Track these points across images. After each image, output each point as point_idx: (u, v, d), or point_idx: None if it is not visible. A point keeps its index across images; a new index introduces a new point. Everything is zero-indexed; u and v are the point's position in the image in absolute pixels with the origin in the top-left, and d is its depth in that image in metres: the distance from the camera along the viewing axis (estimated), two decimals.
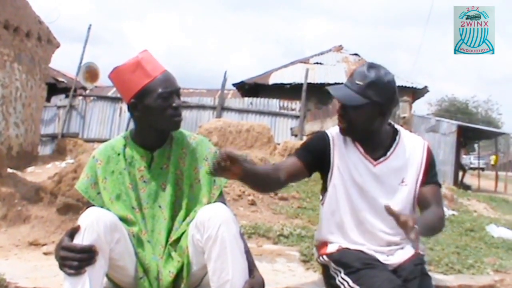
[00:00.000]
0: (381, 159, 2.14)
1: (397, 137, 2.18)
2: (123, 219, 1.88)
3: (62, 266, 1.68)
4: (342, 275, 2.03)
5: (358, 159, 2.15)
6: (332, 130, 2.24)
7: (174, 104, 1.92)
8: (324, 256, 2.18)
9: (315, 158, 2.18)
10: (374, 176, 2.13)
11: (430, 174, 2.17)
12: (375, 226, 2.12)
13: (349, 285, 1.98)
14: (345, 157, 2.16)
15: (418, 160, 2.15)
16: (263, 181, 2.04)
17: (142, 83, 1.91)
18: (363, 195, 2.13)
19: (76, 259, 1.65)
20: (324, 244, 2.22)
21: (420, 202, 2.14)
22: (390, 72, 2.11)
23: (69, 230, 1.73)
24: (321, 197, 2.31)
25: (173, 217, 1.96)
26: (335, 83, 9.92)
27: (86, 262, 1.66)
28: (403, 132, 2.22)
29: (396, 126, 2.24)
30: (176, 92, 1.95)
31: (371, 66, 2.09)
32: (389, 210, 1.76)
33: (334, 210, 2.18)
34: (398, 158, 2.15)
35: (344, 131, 2.16)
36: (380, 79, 2.04)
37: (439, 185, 2.21)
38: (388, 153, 2.15)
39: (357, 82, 2.06)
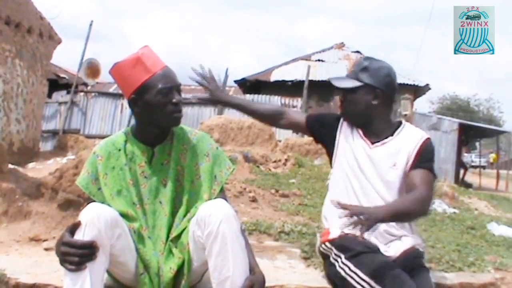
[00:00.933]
0: (378, 144, 2.23)
1: (400, 128, 2.27)
2: (123, 215, 1.87)
3: (62, 262, 1.68)
4: (343, 259, 2.04)
5: (358, 141, 2.26)
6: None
7: (174, 100, 1.91)
8: (327, 243, 2.18)
9: (320, 128, 2.38)
10: (369, 158, 2.21)
11: (421, 159, 2.17)
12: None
13: (350, 269, 1.99)
14: (349, 139, 2.28)
15: (411, 147, 2.20)
16: (255, 114, 2.56)
17: (142, 79, 1.90)
18: (358, 175, 2.21)
19: (77, 254, 1.65)
20: (327, 232, 2.23)
21: (407, 185, 2.14)
22: (387, 63, 2.28)
23: (70, 226, 1.73)
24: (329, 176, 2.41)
25: (173, 213, 1.95)
26: None
27: (86, 258, 1.66)
28: (407, 125, 2.31)
29: (404, 121, 2.34)
30: (176, 88, 1.94)
31: (368, 57, 2.31)
32: (338, 204, 1.81)
33: (335, 190, 2.28)
34: (394, 145, 2.22)
35: (345, 118, 2.32)
36: (373, 65, 2.25)
37: (432, 173, 2.18)
38: (386, 140, 2.24)
39: (353, 69, 2.29)
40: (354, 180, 2.21)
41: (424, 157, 2.18)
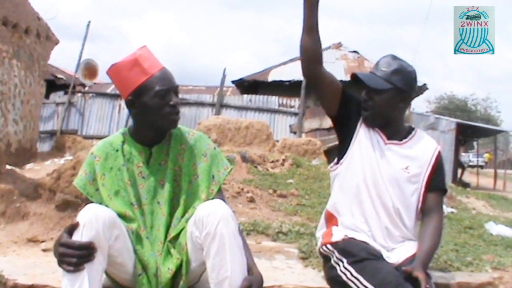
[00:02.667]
0: (394, 142, 2.25)
1: (413, 132, 2.31)
2: (121, 216, 1.87)
3: (60, 263, 1.68)
4: (345, 264, 2.03)
5: (375, 138, 2.25)
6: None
7: (171, 102, 1.91)
8: (328, 245, 2.17)
9: (351, 102, 2.27)
10: (382, 152, 2.22)
11: (437, 177, 2.26)
12: (379, 205, 2.19)
13: (352, 274, 1.98)
14: (367, 134, 2.26)
15: (427, 158, 2.24)
16: (315, 36, 2.17)
17: (139, 81, 1.90)
18: (373, 171, 2.20)
19: (75, 255, 1.65)
20: (329, 233, 2.22)
21: (425, 206, 2.23)
22: (411, 65, 2.27)
23: (68, 227, 1.73)
24: (333, 166, 2.35)
25: (171, 214, 1.95)
26: None
27: (84, 259, 1.66)
28: (418, 131, 2.34)
29: (413, 126, 2.37)
30: (173, 90, 1.94)
31: (395, 57, 2.26)
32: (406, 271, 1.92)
33: (347, 184, 2.24)
34: (409, 149, 2.25)
35: (367, 118, 2.26)
36: (404, 68, 2.22)
37: (445, 191, 2.31)
38: (403, 141, 2.26)
39: (383, 69, 2.22)
40: (368, 170, 2.21)
41: (440, 175, 2.27)
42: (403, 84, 2.20)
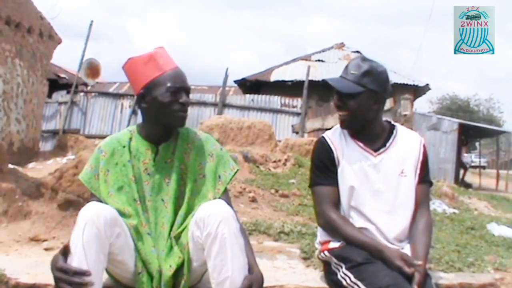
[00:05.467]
0: (381, 150, 2.21)
1: (394, 131, 2.27)
2: (121, 213, 1.88)
3: (57, 285, 1.70)
4: (344, 270, 2.04)
5: (359, 153, 2.21)
6: (328, 133, 2.31)
7: (181, 100, 1.94)
8: (326, 252, 2.18)
9: (333, 170, 2.22)
10: (375, 167, 2.19)
11: (425, 171, 2.26)
12: (378, 220, 2.16)
13: (350, 280, 1.99)
14: (347, 154, 2.21)
15: (416, 154, 2.24)
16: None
17: (152, 75, 1.94)
18: (367, 188, 2.17)
19: (70, 282, 1.66)
20: (327, 240, 2.22)
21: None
22: (382, 64, 2.23)
23: (62, 249, 1.74)
24: None
25: (176, 212, 1.96)
26: None
27: (79, 285, 1.66)
28: (399, 127, 2.32)
29: (393, 122, 2.33)
30: (185, 89, 1.97)
31: (364, 58, 2.25)
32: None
33: (340, 204, 2.22)
34: (397, 150, 2.22)
35: (343, 123, 2.23)
36: (374, 69, 2.17)
37: (431, 183, 2.31)
38: (387, 144, 2.23)
39: (352, 72, 2.18)
40: (363, 193, 2.17)
41: (427, 168, 2.27)
42: (375, 85, 2.15)
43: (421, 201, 2.22)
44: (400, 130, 2.30)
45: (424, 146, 2.28)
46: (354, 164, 2.19)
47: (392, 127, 2.29)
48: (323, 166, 2.24)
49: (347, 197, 2.19)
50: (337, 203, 2.20)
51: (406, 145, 2.24)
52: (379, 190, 2.17)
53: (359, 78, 2.15)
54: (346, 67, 2.23)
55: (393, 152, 2.22)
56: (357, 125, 2.21)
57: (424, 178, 2.25)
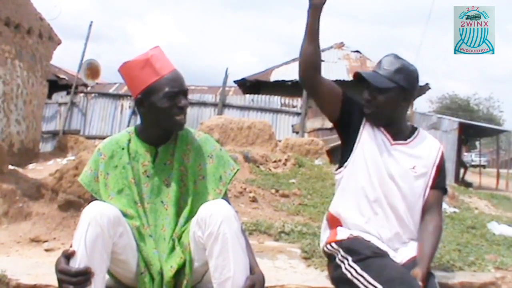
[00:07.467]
0: (400, 142, 2.27)
1: (416, 132, 2.33)
2: (124, 214, 1.88)
3: (60, 286, 1.70)
4: (350, 262, 2.04)
5: (381, 138, 2.26)
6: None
7: (179, 104, 1.92)
8: (333, 244, 2.18)
9: (352, 106, 2.29)
10: (389, 153, 2.23)
11: (440, 177, 2.29)
12: (385, 206, 2.19)
13: (357, 272, 1.99)
14: (371, 134, 2.27)
15: (432, 157, 2.27)
16: (315, 44, 2.23)
17: (149, 81, 1.91)
18: (379, 171, 2.21)
19: (72, 282, 1.66)
20: (334, 232, 2.23)
21: (426, 203, 2.25)
22: (413, 64, 2.29)
23: (65, 251, 1.73)
24: (337, 169, 2.35)
25: (178, 214, 1.96)
26: (336, 80, 9.92)
27: (81, 285, 1.67)
28: (422, 130, 2.38)
29: (415, 125, 2.40)
30: (183, 92, 1.95)
31: (397, 56, 2.29)
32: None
33: (352, 186, 2.24)
34: (414, 148, 2.27)
35: (370, 116, 2.27)
36: (406, 67, 2.23)
37: (445, 191, 2.34)
38: (408, 140, 2.29)
39: (386, 67, 2.23)
40: (373, 171, 2.21)
41: (442, 174, 2.30)
42: (406, 82, 2.21)
43: (433, 205, 2.25)
44: (422, 133, 2.35)
45: (442, 152, 2.32)
46: (370, 144, 2.24)
47: (415, 129, 2.35)
48: (356, 101, 2.33)
49: (365, 180, 2.21)
50: (327, 80, 2.29)
51: (424, 147, 2.29)
52: (392, 176, 2.20)
53: (392, 74, 2.21)
54: (379, 62, 2.28)
55: (410, 148, 2.27)
56: (383, 121, 2.26)
57: (439, 183, 2.28)
